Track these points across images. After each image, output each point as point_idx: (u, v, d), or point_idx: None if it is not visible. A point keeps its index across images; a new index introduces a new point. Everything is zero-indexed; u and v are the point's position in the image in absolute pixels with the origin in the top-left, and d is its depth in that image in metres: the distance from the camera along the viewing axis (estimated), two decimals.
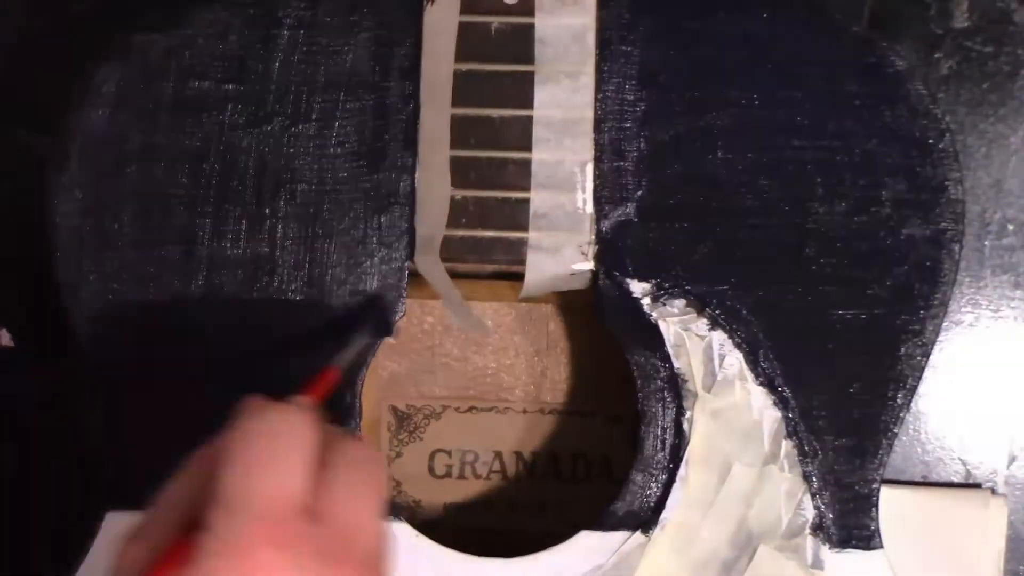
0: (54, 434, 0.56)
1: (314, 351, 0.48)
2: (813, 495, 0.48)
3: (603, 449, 0.57)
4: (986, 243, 0.54)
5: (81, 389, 0.49)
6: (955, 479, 0.55)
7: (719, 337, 0.48)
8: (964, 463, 0.55)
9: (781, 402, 0.48)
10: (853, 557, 0.48)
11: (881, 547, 0.48)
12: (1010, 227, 0.54)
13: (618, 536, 0.48)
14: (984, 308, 0.54)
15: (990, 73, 0.54)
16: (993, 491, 0.54)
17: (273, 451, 0.36)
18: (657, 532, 0.48)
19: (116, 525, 0.48)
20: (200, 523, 0.35)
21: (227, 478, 0.35)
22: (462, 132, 0.48)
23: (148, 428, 0.49)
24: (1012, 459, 0.55)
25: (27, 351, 0.56)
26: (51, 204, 0.48)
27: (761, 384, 0.48)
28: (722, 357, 0.48)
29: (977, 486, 0.55)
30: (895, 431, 0.48)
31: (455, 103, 0.48)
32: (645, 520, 0.48)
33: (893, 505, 0.48)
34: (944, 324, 0.53)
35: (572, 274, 0.49)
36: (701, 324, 0.48)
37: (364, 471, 0.38)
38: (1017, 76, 0.54)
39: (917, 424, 0.55)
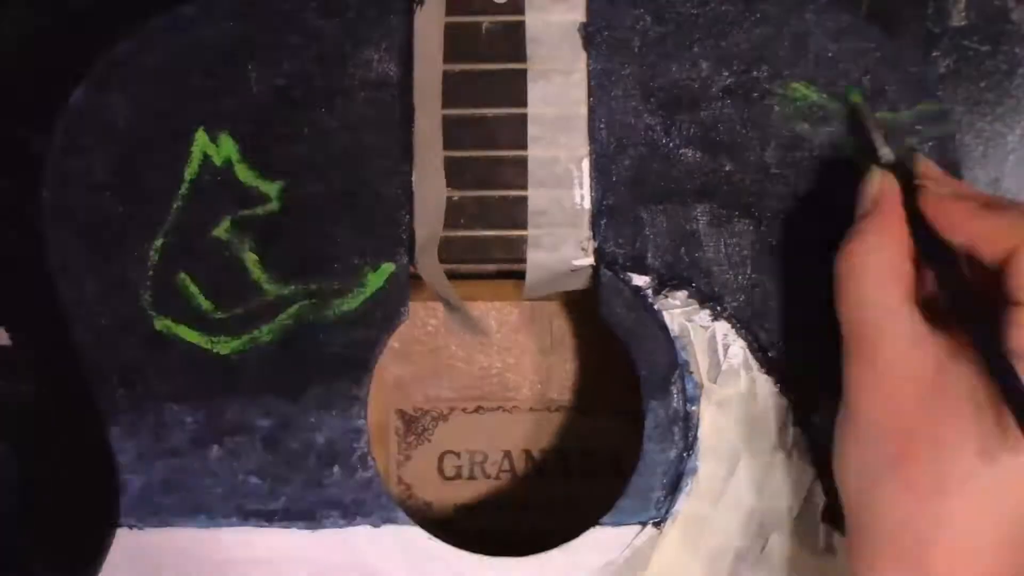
0: (58, 442, 0.56)
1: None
2: (823, 481, 0.48)
3: (611, 445, 0.57)
4: None
5: (86, 395, 0.49)
6: None
7: (722, 327, 0.48)
8: None
9: (787, 390, 0.48)
10: None
11: None
12: None
13: (629, 531, 0.48)
14: None
15: (987, 72, 0.53)
16: None
17: None
18: (668, 525, 0.48)
19: (127, 541, 0.49)
20: None
21: None
22: (456, 132, 0.48)
23: (159, 441, 0.49)
24: None
25: (26, 351, 0.56)
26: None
27: (766, 373, 0.48)
28: (726, 347, 0.48)
29: None
30: None
31: (448, 104, 0.48)
32: (655, 514, 0.48)
33: None
34: None
35: (573, 271, 0.49)
36: (704, 315, 0.48)
37: None
38: (1014, 74, 0.53)
39: None
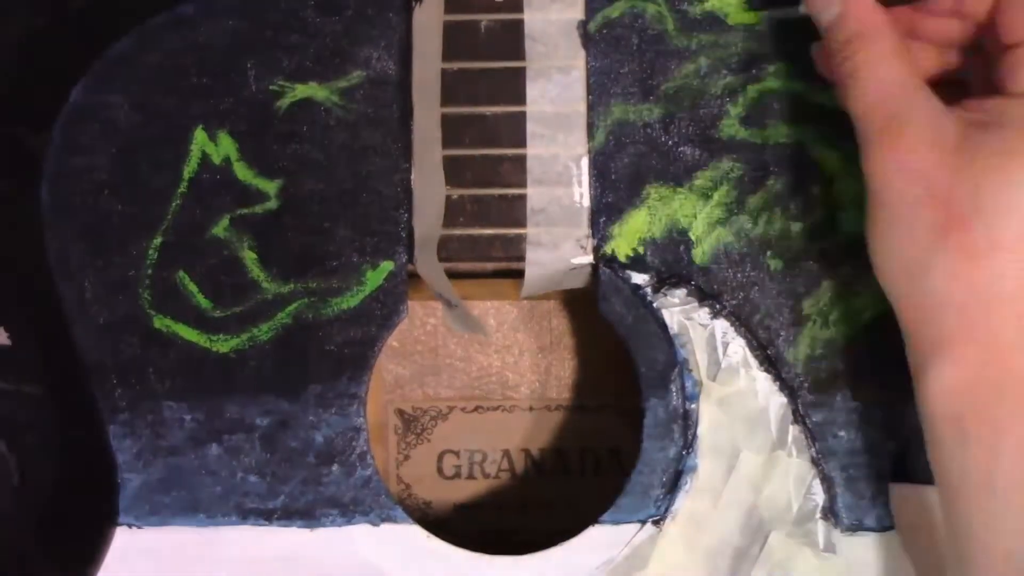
0: (57, 441, 0.56)
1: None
2: (823, 479, 0.48)
3: (611, 443, 0.57)
4: None
5: (85, 394, 0.49)
6: None
7: (722, 325, 0.48)
8: None
9: (786, 387, 0.48)
10: (865, 540, 0.48)
11: (892, 528, 0.48)
12: None
13: (629, 529, 0.48)
14: None
15: None
16: None
17: None
18: (668, 523, 0.48)
19: (126, 540, 0.49)
20: None
21: None
22: (456, 131, 0.48)
23: (157, 439, 0.49)
24: None
25: (26, 350, 0.56)
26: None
27: (765, 370, 0.48)
28: (725, 345, 0.48)
29: None
30: (904, 409, 0.48)
31: (448, 102, 0.48)
32: (655, 512, 0.48)
33: (898, 503, 0.48)
34: None
35: (572, 269, 0.49)
36: (703, 313, 0.48)
37: None
38: None
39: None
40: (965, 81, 0.46)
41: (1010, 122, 0.40)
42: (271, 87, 0.49)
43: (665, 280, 0.48)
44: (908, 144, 0.41)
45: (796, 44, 0.48)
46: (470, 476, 0.58)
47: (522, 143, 0.48)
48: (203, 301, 0.49)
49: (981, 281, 0.39)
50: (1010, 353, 0.39)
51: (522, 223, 0.48)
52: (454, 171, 0.48)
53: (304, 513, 0.48)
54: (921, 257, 0.40)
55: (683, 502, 0.48)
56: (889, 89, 0.42)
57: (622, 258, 0.48)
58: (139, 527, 0.49)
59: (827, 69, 0.46)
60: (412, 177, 0.48)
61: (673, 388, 0.48)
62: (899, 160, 0.41)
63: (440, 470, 0.58)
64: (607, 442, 0.57)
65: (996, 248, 0.39)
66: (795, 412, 0.48)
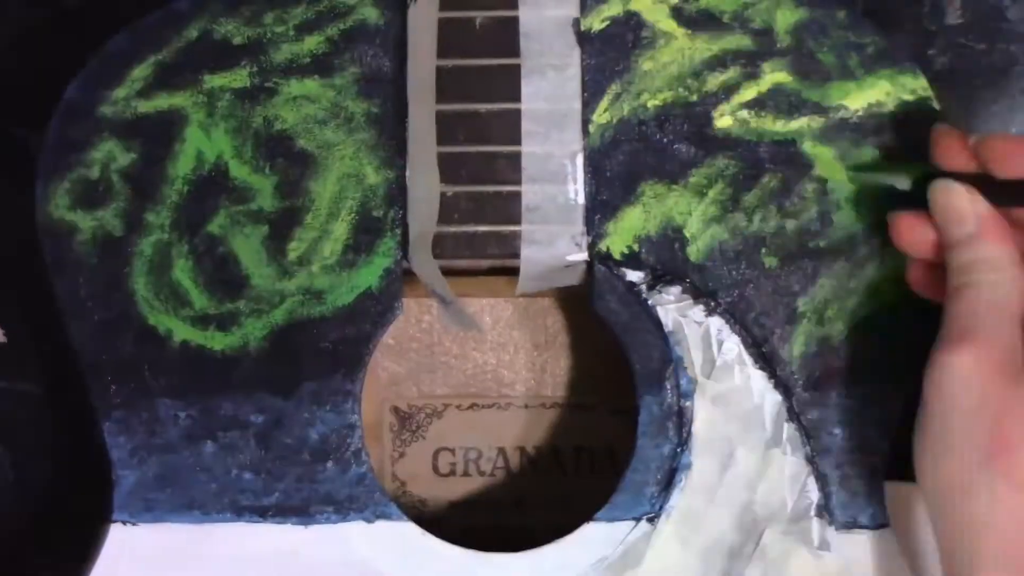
0: (52, 438, 0.56)
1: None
2: (817, 477, 0.48)
3: (606, 441, 0.57)
4: None
5: (80, 392, 0.49)
6: None
7: (716, 323, 0.48)
8: None
9: (781, 385, 0.48)
10: (860, 538, 0.48)
11: (888, 525, 0.48)
12: None
13: (623, 527, 0.48)
14: None
15: (983, 70, 0.54)
16: None
17: None
18: (662, 521, 0.48)
19: (121, 537, 0.49)
20: None
21: None
22: (450, 128, 0.48)
23: (152, 436, 0.49)
24: None
25: (21, 348, 0.56)
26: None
27: (760, 368, 0.48)
28: (720, 342, 0.48)
29: None
30: (899, 407, 0.48)
31: (442, 99, 0.48)
32: (649, 509, 0.48)
33: (893, 501, 0.48)
34: None
35: (567, 266, 0.49)
36: (698, 310, 0.48)
37: None
38: (1010, 73, 0.53)
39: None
40: None
41: None
42: (266, 84, 0.49)
43: (660, 277, 0.48)
44: (976, 355, 0.41)
45: (793, 42, 0.48)
46: (465, 473, 0.58)
47: (517, 140, 0.48)
48: (198, 298, 0.49)
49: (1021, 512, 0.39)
50: None
51: (517, 220, 0.48)
52: (449, 168, 0.48)
53: (299, 510, 0.48)
54: (966, 476, 0.40)
55: (678, 500, 0.48)
56: (987, 310, 0.42)
57: (617, 255, 0.48)
58: (134, 524, 0.49)
59: (914, 249, 0.45)
60: (407, 174, 0.48)
61: (668, 385, 0.48)
62: (962, 369, 0.41)
63: (435, 467, 0.58)
64: (602, 439, 0.57)
65: None
66: (790, 410, 0.48)
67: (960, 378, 0.41)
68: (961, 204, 0.43)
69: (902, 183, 0.45)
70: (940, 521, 0.41)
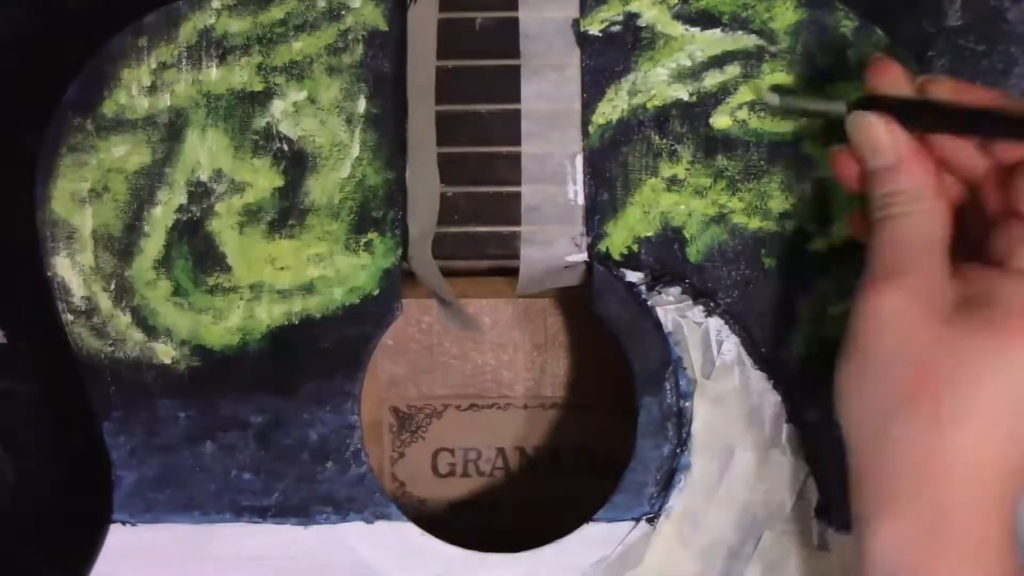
0: (52, 438, 0.56)
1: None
2: (817, 477, 0.48)
3: (605, 441, 0.57)
4: None
5: (81, 392, 0.49)
6: None
7: (716, 323, 0.48)
8: None
9: (780, 386, 0.48)
10: None
11: None
12: None
13: (623, 527, 0.48)
14: None
15: (983, 71, 0.53)
16: None
17: None
18: (662, 521, 0.48)
19: (121, 537, 0.49)
20: None
21: None
22: (450, 129, 0.48)
23: (152, 437, 0.49)
24: None
25: (21, 349, 0.56)
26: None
27: (759, 369, 0.48)
28: (719, 343, 0.48)
29: None
30: None
31: (442, 100, 0.48)
32: (649, 510, 0.48)
33: None
34: None
35: (566, 267, 0.49)
36: (697, 311, 0.48)
37: None
38: (1010, 74, 0.53)
39: None
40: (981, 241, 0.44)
41: (998, 301, 0.40)
42: (266, 84, 0.49)
43: (659, 278, 0.48)
44: (901, 295, 0.41)
45: (791, 42, 0.48)
46: (465, 474, 0.58)
47: (517, 141, 0.48)
48: (198, 298, 0.49)
49: (939, 449, 0.39)
50: (953, 521, 0.39)
51: (517, 221, 0.48)
52: (449, 169, 0.48)
53: (298, 510, 0.49)
54: (887, 411, 0.40)
55: (677, 500, 0.48)
56: (910, 243, 0.42)
57: (616, 256, 0.48)
58: (133, 524, 0.49)
59: (848, 184, 0.45)
60: (407, 175, 0.48)
61: (667, 386, 0.48)
62: (888, 306, 0.41)
63: (435, 468, 0.58)
64: (601, 440, 0.57)
65: (960, 421, 0.39)
66: (789, 410, 0.48)
67: (886, 315, 0.41)
68: (878, 135, 0.43)
69: (837, 108, 0.45)
70: (854, 453, 0.42)
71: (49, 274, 0.49)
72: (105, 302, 0.49)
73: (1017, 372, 0.39)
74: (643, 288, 0.48)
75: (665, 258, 0.48)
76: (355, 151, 0.49)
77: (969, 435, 0.39)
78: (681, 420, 0.48)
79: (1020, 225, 0.42)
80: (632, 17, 0.48)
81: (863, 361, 0.41)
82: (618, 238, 0.48)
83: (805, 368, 0.48)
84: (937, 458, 0.40)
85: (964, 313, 0.40)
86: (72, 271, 0.49)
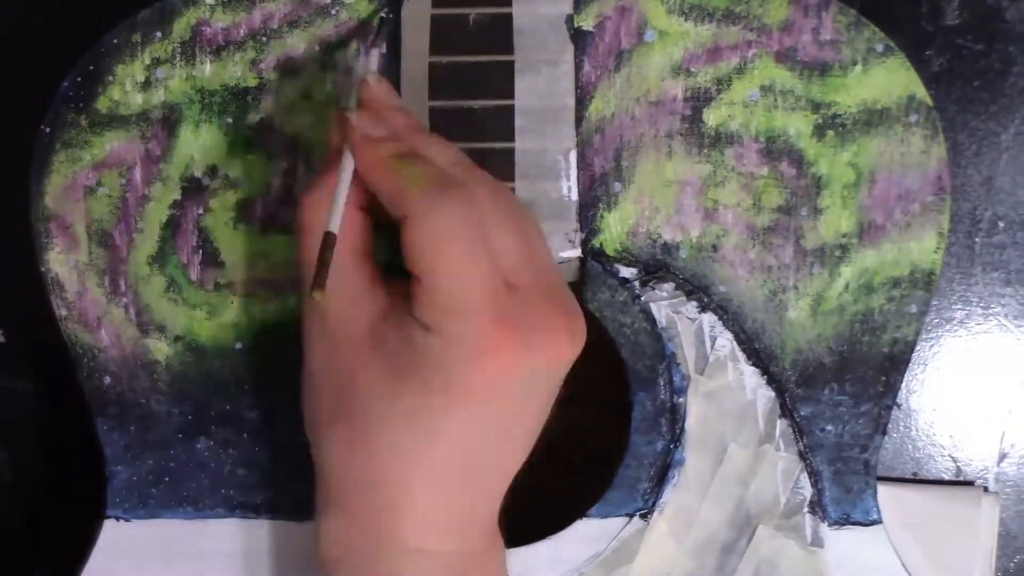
0: (49, 437, 0.56)
1: None
2: (810, 473, 0.48)
3: (599, 436, 0.57)
4: (976, 240, 0.54)
5: (75, 389, 0.49)
6: (945, 476, 0.55)
7: (709, 319, 0.48)
8: (955, 460, 0.55)
9: (773, 381, 0.48)
10: (852, 534, 0.48)
11: (880, 521, 0.48)
12: (1000, 224, 0.54)
13: (616, 522, 0.48)
14: (974, 305, 0.54)
15: (981, 70, 0.54)
16: (985, 489, 0.54)
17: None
18: (655, 517, 0.48)
19: (114, 533, 0.49)
20: None
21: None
22: (443, 124, 0.48)
23: (146, 432, 0.49)
24: (1002, 456, 0.55)
25: (18, 347, 0.56)
26: None
27: (753, 364, 0.48)
28: (713, 339, 0.48)
29: (967, 483, 0.55)
30: (891, 403, 0.48)
31: (436, 95, 0.48)
32: (642, 505, 0.48)
33: (884, 502, 0.48)
34: (935, 320, 0.53)
35: (560, 262, 0.49)
36: (691, 307, 0.48)
37: None
38: (1008, 73, 0.53)
39: (908, 421, 0.54)
40: None
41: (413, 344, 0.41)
42: (260, 79, 0.49)
43: (653, 274, 0.48)
44: (330, 325, 0.42)
45: (788, 38, 0.48)
46: None
47: (510, 137, 0.48)
48: (193, 293, 0.49)
49: (354, 467, 0.42)
50: (370, 530, 0.42)
51: None
52: None
53: (292, 506, 0.48)
54: (321, 425, 0.43)
55: (671, 496, 0.48)
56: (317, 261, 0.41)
57: (610, 252, 0.48)
58: (127, 520, 0.49)
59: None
60: None
61: (661, 382, 0.48)
62: (319, 335, 0.43)
63: None
64: (595, 435, 0.57)
65: (367, 444, 0.41)
66: (783, 406, 0.48)
67: (311, 338, 0.43)
68: (329, 134, 0.44)
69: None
70: (312, 450, 0.44)
71: (43, 269, 0.49)
72: (99, 298, 0.49)
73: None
74: (637, 284, 0.48)
75: (659, 254, 0.48)
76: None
77: (374, 459, 0.42)
78: (675, 416, 0.48)
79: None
80: (625, 12, 0.49)
81: (308, 375, 0.44)
82: (612, 234, 0.48)
83: (799, 364, 0.48)
84: (354, 475, 0.42)
85: (379, 337, 0.42)
86: (66, 266, 0.49)
